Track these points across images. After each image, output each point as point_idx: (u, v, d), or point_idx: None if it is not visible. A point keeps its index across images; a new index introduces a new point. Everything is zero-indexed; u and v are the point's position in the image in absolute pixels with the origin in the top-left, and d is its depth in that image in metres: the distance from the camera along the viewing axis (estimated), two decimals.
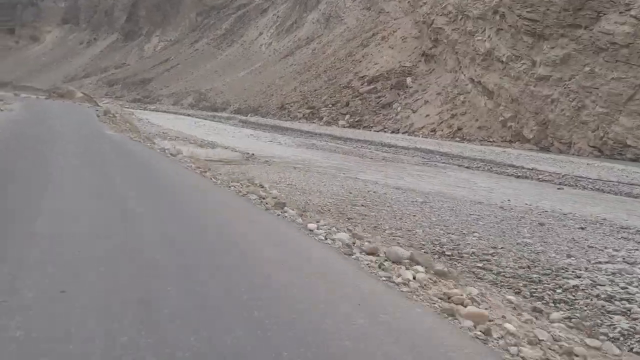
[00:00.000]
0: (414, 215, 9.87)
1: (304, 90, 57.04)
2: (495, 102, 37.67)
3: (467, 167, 22.82)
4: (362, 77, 53.07)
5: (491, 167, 23.27)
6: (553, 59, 34.35)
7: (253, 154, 18.35)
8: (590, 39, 32.84)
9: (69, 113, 26.24)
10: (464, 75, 42.47)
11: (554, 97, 33.71)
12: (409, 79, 47.99)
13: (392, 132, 42.27)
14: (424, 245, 7.61)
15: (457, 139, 37.74)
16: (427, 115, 42.21)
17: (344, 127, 45.75)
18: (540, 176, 21.02)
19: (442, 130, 39.86)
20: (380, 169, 19.30)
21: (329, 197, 11.01)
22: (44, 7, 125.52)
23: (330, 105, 50.71)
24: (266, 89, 63.12)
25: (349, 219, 8.85)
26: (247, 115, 56.20)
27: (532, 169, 22.86)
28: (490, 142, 36.30)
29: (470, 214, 10.69)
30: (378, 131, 43.00)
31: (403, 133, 41.56)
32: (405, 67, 50.57)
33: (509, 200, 13.79)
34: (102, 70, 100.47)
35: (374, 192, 12.49)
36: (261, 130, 39.45)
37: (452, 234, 8.50)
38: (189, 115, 54.83)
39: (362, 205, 10.38)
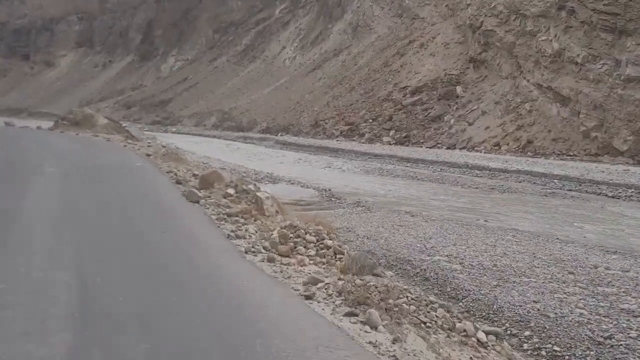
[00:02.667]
0: None
1: (338, 105, 52.54)
2: (572, 109, 32.68)
3: (613, 197, 17.85)
4: (403, 88, 48.44)
5: None
6: None
7: (330, 190, 13.66)
8: None
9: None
10: (527, 80, 37.57)
11: None
12: (459, 88, 43.21)
13: (448, 147, 37.43)
14: None
15: (529, 153, 32.73)
16: (487, 128, 37.32)
17: (390, 144, 41.06)
18: None
19: (507, 145, 34.92)
20: (517, 207, 14.40)
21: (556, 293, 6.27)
22: (58, 31, 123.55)
23: (370, 121, 46.07)
24: (295, 105, 58.78)
25: None
26: (277, 135, 51.81)
27: None
28: (570, 156, 31.23)
29: None
30: (431, 147, 38.21)
31: (461, 149, 36.70)
32: (451, 75, 45.84)
33: None
34: (118, 93, 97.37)
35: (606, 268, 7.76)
36: (305, 152, 34.82)
37: None
38: (214, 137, 50.61)
39: None
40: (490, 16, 43.77)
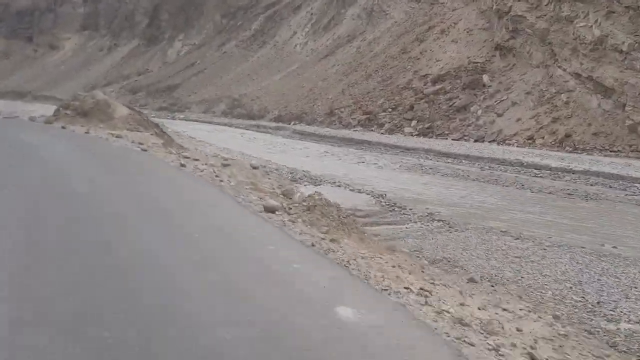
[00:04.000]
0: None
1: (355, 93, 50.08)
2: (616, 101, 30.23)
3: None
4: (424, 76, 45.93)
5: None
6: None
7: (386, 196, 11.39)
8: None
9: None
10: (563, 69, 35.06)
11: None
12: (485, 77, 40.71)
13: (476, 140, 35.07)
14: None
15: (568, 148, 30.32)
16: (519, 120, 34.91)
17: (412, 135, 38.72)
18: None
19: (542, 138, 32.51)
20: (626, 222, 11.96)
21: None
22: (62, 13, 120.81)
23: (390, 110, 43.65)
24: (308, 92, 56.31)
25: None
26: (290, 123, 49.47)
27: None
28: (614, 152, 28.84)
29: None
30: (457, 139, 35.88)
31: (490, 142, 34.34)
32: (476, 63, 43.30)
33: None
34: (124, 78, 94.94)
35: None
36: (327, 143, 32.37)
37: None
38: (225, 124, 48.28)
39: None
40: (519, 1, 41.13)
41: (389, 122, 41.69)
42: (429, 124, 39.23)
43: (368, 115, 44.23)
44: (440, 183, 16.33)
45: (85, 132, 16.93)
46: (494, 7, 44.92)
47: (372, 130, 41.97)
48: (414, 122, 40.35)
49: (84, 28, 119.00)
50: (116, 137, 15.86)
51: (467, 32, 48.16)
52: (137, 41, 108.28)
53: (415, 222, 9.28)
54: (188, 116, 61.12)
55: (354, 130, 42.37)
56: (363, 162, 21.42)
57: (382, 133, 40.26)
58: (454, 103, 40.00)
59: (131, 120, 19.81)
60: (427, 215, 9.86)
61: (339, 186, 12.50)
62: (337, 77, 56.50)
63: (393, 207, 10.43)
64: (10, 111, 50.78)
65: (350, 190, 11.91)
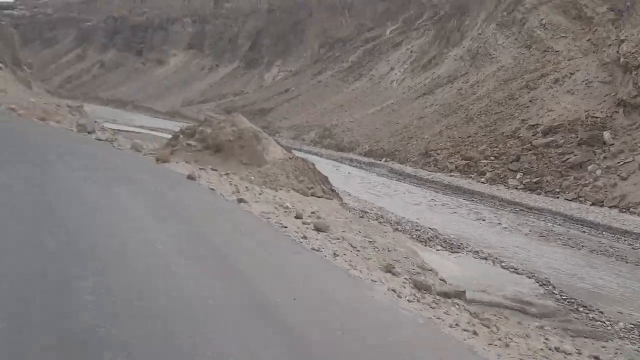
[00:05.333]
0: None
1: (454, 135, 47.62)
2: None
3: None
4: (534, 126, 42.72)
5: None
6: None
7: (552, 284, 8.94)
8: None
9: None
10: None
11: None
12: (607, 134, 36.95)
13: (593, 204, 31.42)
14: None
15: None
16: None
17: (517, 188, 35.62)
18: None
19: None
20: None
21: None
22: (172, 31, 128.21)
23: (492, 158, 40.75)
24: (402, 130, 54.52)
25: None
26: (381, 160, 47.81)
27: None
28: None
29: None
30: (571, 200, 32.39)
31: (610, 207, 30.59)
32: (596, 118, 39.58)
33: None
34: (221, 97, 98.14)
35: None
36: (430, 189, 29.93)
37: None
38: (316, 154, 47.38)
39: None
40: None
41: (491, 172, 38.79)
42: (538, 179, 35.95)
43: (468, 162, 41.56)
44: (602, 266, 13.16)
45: (235, 195, 9.95)
46: (621, 61, 41.16)
47: (471, 177, 39.29)
48: (519, 175, 37.22)
49: (190, 47, 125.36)
50: (281, 210, 9.61)
51: (586, 84, 44.52)
52: (237, 63, 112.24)
53: (622, 339, 6.76)
54: (278, 141, 61.07)
55: (451, 176, 39.86)
56: (484, 220, 18.89)
57: (482, 182, 37.49)
58: (567, 159, 36.52)
59: (291, 169, 12.92)
60: (636, 329, 7.12)
61: (484, 259, 10.23)
62: (435, 118, 54.33)
63: (573, 305, 7.95)
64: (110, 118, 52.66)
65: (503, 267, 9.59)
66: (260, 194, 10.45)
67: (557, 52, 53.31)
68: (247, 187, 10.83)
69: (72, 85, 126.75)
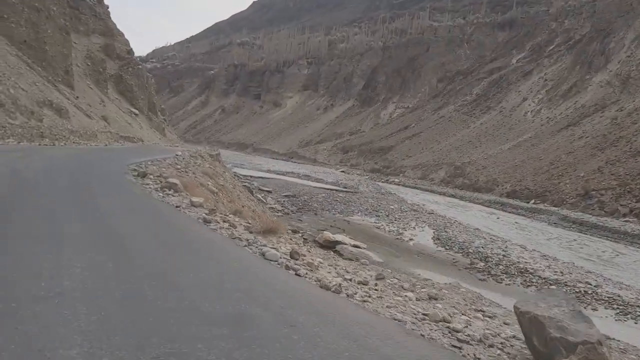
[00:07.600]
0: None
1: (618, 172, 40.68)
2: None
3: None
4: None
5: None
6: None
7: None
8: None
9: None
10: None
11: None
12: None
13: None
14: None
15: None
16: None
17: None
18: None
19: None
20: None
21: None
22: (288, 74, 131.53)
23: None
24: (549, 167, 48.23)
25: None
26: (528, 202, 42.08)
27: None
28: None
29: None
30: None
31: None
32: None
33: None
34: (336, 136, 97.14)
35: None
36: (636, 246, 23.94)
37: None
38: (453, 196, 42.93)
39: None
40: None
41: None
42: None
43: None
44: None
45: None
46: None
47: None
48: None
49: (305, 88, 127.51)
50: None
51: None
52: (352, 102, 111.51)
53: None
54: (404, 182, 57.43)
55: (625, 221, 33.35)
56: None
57: None
58: None
59: None
60: None
61: None
62: (588, 152, 47.46)
63: None
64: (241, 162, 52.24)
65: None
66: None
67: None
68: None
69: (196, 130, 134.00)
